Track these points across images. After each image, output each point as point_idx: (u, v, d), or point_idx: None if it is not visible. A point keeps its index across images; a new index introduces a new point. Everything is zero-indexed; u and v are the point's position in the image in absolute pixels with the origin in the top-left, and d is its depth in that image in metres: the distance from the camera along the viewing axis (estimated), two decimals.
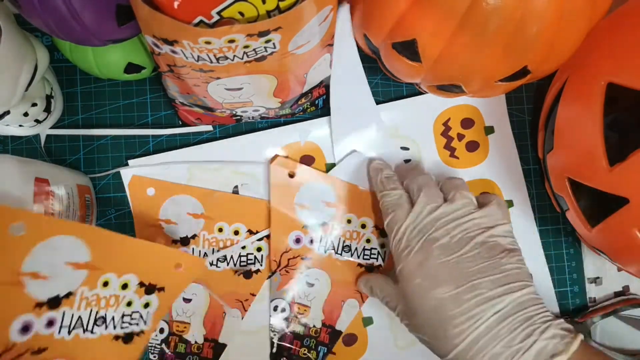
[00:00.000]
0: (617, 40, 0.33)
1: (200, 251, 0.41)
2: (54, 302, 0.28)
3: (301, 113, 0.43)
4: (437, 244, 0.34)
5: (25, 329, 0.27)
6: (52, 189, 0.34)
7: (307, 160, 0.43)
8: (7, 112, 0.36)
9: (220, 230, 0.42)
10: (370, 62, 0.44)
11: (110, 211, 0.42)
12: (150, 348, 0.40)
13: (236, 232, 0.42)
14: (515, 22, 0.29)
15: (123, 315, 0.31)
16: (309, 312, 0.42)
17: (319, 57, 0.33)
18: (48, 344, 0.28)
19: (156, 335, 0.40)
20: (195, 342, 0.41)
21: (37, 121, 0.39)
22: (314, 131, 0.43)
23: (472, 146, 0.45)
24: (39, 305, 0.27)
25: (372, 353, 0.43)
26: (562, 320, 0.33)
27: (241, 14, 0.26)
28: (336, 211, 0.43)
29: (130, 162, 0.42)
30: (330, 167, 0.44)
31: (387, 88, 0.45)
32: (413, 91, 0.45)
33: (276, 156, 0.43)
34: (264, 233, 0.42)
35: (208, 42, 0.26)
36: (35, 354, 0.27)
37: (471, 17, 0.29)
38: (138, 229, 0.41)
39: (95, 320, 0.30)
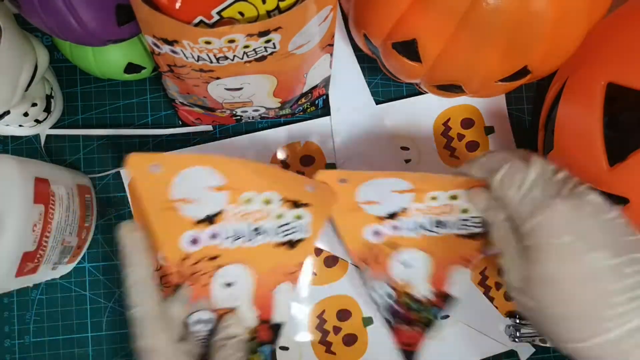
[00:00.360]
0: (617, 40, 0.33)
1: (230, 228, 0.34)
2: (210, 219, 0.32)
3: (301, 113, 0.43)
4: (586, 199, 0.27)
5: (194, 241, 0.32)
6: (52, 189, 0.34)
7: (307, 160, 0.43)
8: (7, 112, 0.36)
9: (249, 201, 0.34)
10: (370, 62, 0.44)
11: (111, 211, 0.42)
12: (199, 341, 0.34)
13: (267, 202, 0.34)
14: (515, 22, 0.29)
15: (278, 226, 0.35)
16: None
17: (319, 57, 0.33)
18: (218, 252, 0.33)
19: (203, 329, 0.34)
20: (248, 327, 0.35)
21: (37, 121, 0.39)
22: (314, 131, 0.43)
23: (472, 146, 0.45)
24: (198, 222, 0.32)
25: (372, 353, 0.43)
26: None
27: (241, 14, 0.26)
28: (415, 195, 0.36)
29: None
30: (330, 167, 0.44)
31: (387, 88, 0.45)
32: (413, 91, 0.45)
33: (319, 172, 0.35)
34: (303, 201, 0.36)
35: (208, 42, 0.26)
36: (211, 260, 0.33)
37: (471, 17, 0.29)
38: (151, 215, 0.31)
39: (253, 231, 0.34)
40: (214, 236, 0.33)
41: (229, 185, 0.32)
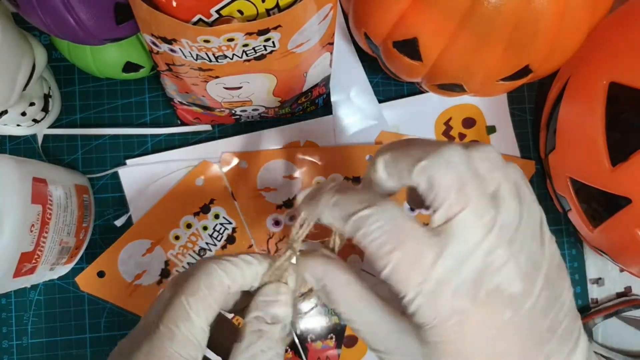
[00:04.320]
0: (618, 39, 0.33)
1: None
2: (288, 204, 0.42)
3: (301, 112, 0.43)
4: (505, 297, 0.18)
5: (277, 223, 0.41)
6: (49, 189, 0.34)
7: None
8: (5, 112, 0.36)
9: (319, 184, 0.42)
10: (371, 61, 0.44)
11: (109, 211, 0.42)
12: None
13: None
14: (517, 21, 0.29)
15: None
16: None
17: (319, 56, 0.33)
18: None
19: None
20: None
21: (35, 121, 0.39)
22: (314, 131, 0.43)
23: None
24: (279, 207, 0.42)
25: (373, 354, 0.43)
26: None
27: (240, 12, 0.26)
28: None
29: (128, 161, 0.41)
30: None
31: (387, 87, 0.45)
32: (414, 90, 0.45)
33: (382, 132, 0.43)
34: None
35: (207, 41, 0.26)
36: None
37: (472, 16, 0.29)
38: (240, 202, 0.42)
39: None
40: (292, 218, 0.42)
41: (302, 173, 0.42)
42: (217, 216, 0.41)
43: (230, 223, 0.42)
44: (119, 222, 0.41)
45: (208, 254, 0.41)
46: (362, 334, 0.22)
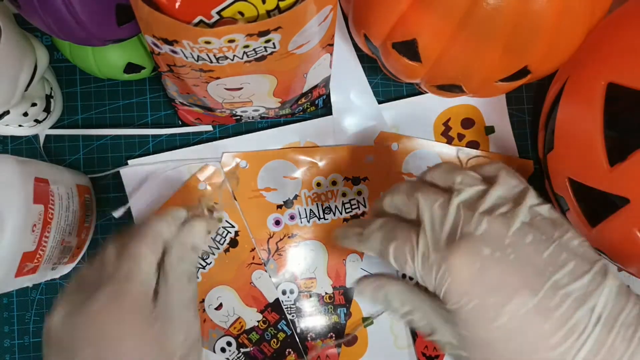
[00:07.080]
0: (617, 40, 0.33)
1: (305, 209, 0.43)
2: (288, 204, 0.42)
3: (301, 113, 0.43)
4: (478, 237, 0.24)
5: (277, 222, 0.42)
6: (51, 189, 0.34)
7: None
8: (7, 112, 0.36)
9: (319, 184, 0.43)
10: (370, 62, 0.44)
11: (110, 211, 0.42)
12: (287, 309, 0.43)
13: (334, 183, 0.43)
14: (515, 22, 0.29)
15: (343, 204, 0.42)
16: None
17: (319, 57, 0.33)
18: (296, 230, 0.42)
19: (288, 297, 0.42)
20: (326, 293, 0.43)
21: (37, 121, 0.39)
22: (314, 131, 0.43)
23: (473, 146, 0.45)
24: (279, 206, 0.42)
25: (372, 353, 0.43)
26: None
27: (241, 13, 0.26)
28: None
29: (129, 162, 0.42)
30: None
31: (387, 88, 0.45)
32: (413, 91, 0.45)
33: (381, 133, 0.44)
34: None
35: (208, 42, 0.26)
36: (290, 238, 0.42)
37: (471, 17, 0.29)
38: (241, 202, 0.42)
39: (323, 210, 0.42)
40: (292, 217, 0.42)
41: (302, 173, 0.42)
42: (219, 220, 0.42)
43: (232, 227, 0.42)
44: (117, 214, 0.41)
45: (211, 257, 0.41)
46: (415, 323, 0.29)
